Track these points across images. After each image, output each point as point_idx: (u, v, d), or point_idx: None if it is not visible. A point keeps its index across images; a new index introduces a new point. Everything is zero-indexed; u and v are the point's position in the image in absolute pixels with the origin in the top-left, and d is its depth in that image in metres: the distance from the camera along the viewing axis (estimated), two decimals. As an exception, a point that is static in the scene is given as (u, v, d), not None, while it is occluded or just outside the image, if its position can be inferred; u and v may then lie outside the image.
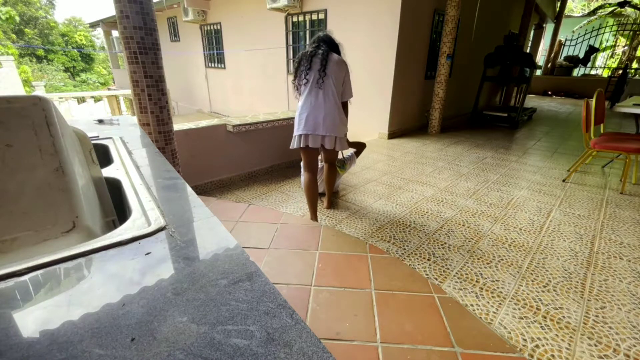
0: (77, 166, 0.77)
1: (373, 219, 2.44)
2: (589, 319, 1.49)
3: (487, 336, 1.38)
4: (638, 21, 12.87)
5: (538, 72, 11.68)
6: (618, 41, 14.42)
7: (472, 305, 1.57)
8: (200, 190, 2.92)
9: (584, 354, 1.31)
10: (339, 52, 2.18)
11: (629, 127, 6.05)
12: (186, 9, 7.79)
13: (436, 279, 1.76)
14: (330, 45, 2.15)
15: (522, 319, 1.49)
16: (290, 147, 2.22)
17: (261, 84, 7.32)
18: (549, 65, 12.64)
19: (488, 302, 1.59)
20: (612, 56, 14.82)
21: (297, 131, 2.15)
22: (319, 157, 2.90)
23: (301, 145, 2.15)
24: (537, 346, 1.34)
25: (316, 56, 2.07)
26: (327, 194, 2.60)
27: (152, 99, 2.11)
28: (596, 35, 12.62)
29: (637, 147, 2.81)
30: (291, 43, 6.22)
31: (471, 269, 1.85)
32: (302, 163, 2.35)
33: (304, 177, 2.33)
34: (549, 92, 11.67)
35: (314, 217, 2.39)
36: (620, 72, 9.14)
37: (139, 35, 1.95)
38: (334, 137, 2.14)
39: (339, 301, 1.58)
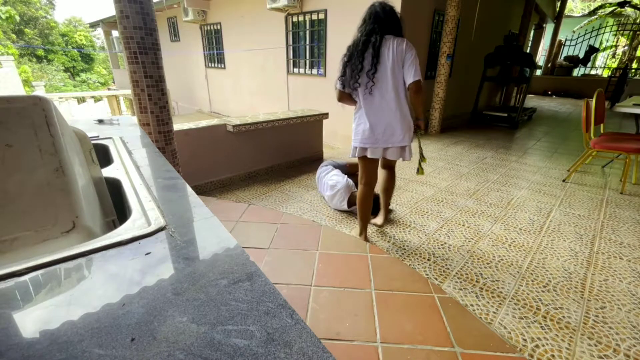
0: (77, 166, 0.77)
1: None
2: (589, 319, 1.49)
3: (487, 336, 1.39)
4: (638, 21, 12.87)
5: (538, 72, 11.68)
6: (619, 41, 14.41)
7: (472, 305, 1.57)
8: (200, 190, 2.92)
9: (584, 354, 1.31)
10: (399, 29, 1.78)
11: (629, 127, 6.04)
12: (186, 9, 7.79)
13: (436, 279, 1.76)
14: (387, 23, 1.74)
15: (522, 319, 1.49)
16: (350, 156, 1.98)
17: (261, 84, 7.32)
18: (549, 65, 12.63)
19: (488, 302, 1.59)
20: (613, 56, 14.80)
21: (354, 142, 1.90)
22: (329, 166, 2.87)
23: (357, 155, 1.92)
24: (537, 346, 1.34)
25: (367, 51, 1.73)
26: (383, 207, 2.27)
27: (152, 99, 2.11)
28: (596, 35, 12.61)
29: (637, 147, 2.81)
30: (291, 43, 6.21)
31: (471, 269, 1.85)
32: (359, 173, 2.04)
33: (360, 189, 2.04)
34: (549, 92, 11.67)
35: (365, 234, 2.11)
36: (620, 72, 9.14)
37: (139, 35, 1.95)
38: (397, 148, 1.87)
39: (339, 301, 1.58)
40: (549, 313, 1.52)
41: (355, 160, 2.01)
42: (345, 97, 1.88)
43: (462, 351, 1.31)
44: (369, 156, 1.90)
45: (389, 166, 2.12)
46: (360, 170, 2.02)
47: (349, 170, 2.93)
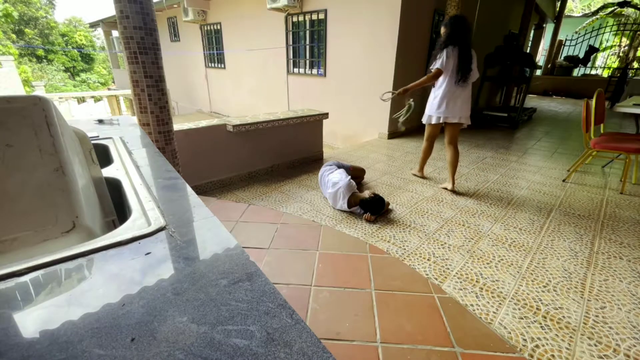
0: (77, 166, 0.77)
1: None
2: (589, 319, 1.49)
3: (487, 336, 1.39)
4: (638, 21, 12.86)
5: (538, 72, 11.68)
6: (621, 41, 14.38)
7: (472, 305, 1.57)
8: (200, 190, 2.92)
9: (584, 354, 1.31)
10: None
11: (629, 127, 6.04)
12: (186, 9, 7.79)
13: (436, 279, 1.76)
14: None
15: (522, 319, 1.49)
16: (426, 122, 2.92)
17: (261, 84, 7.32)
18: (549, 65, 12.63)
19: (488, 302, 1.59)
20: (618, 55, 14.72)
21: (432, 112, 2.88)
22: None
23: (433, 122, 2.94)
24: (537, 346, 1.34)
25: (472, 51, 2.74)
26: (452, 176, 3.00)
27: (152, 99, 2.11)
28: (596, 36, 12.61)
29: (637, 147, 2.81)
30: (291, 43, 6.22)
31: (471, 269, 1.85)
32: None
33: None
34: (549, 92, 11.67)
35: (422, 172, 3.31)
36: (620, 72, 9.13)
37: (139, 35, 1.95)
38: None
39: (339, 301, 1.58)
40: (549, 313, 1.52)
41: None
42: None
43: (462, 351, 1.31)
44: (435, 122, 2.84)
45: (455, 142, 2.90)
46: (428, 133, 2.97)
47: (352, 173, 2.91)
